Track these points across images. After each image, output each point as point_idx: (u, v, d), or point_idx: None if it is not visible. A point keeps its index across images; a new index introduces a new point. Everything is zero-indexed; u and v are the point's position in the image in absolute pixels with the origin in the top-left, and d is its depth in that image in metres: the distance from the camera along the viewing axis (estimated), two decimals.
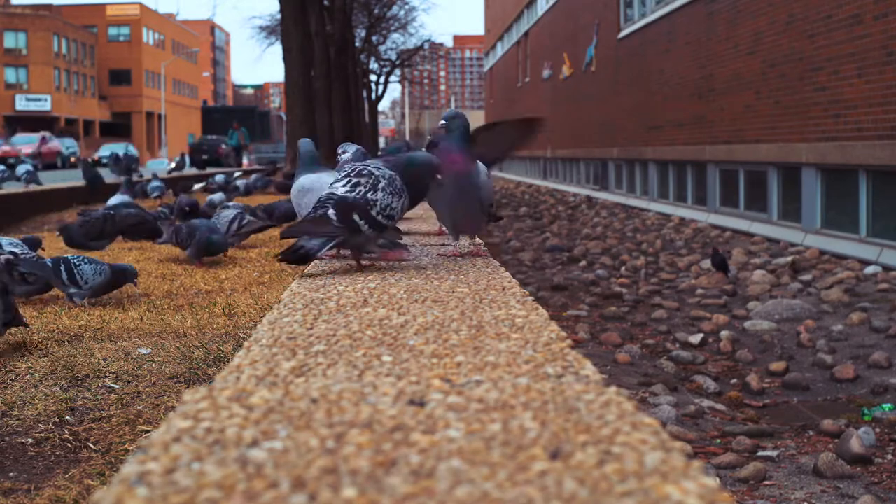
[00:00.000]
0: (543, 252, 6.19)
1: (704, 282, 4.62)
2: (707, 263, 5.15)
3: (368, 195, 1.25)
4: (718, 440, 2.28)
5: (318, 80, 11.53)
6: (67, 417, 1.38)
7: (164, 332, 1.95)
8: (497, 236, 7.46)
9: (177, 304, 2.29)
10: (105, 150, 19.07)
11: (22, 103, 28.91)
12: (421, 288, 1.25)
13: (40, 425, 1.33)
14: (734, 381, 2.91)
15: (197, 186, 7.22)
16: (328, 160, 9.14)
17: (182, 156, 13.63)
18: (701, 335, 3.47)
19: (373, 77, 28.19)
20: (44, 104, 28.97)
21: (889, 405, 2.54)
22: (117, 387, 1.55)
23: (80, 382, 1.56)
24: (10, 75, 29.10)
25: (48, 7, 31.50)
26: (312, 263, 1.60)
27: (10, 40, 28.94)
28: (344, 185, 1.27)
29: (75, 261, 2.18)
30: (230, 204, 3.85)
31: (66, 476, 1.12)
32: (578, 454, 0.56)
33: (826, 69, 5.36)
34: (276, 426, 0.62)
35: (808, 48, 5.59)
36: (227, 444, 0.58)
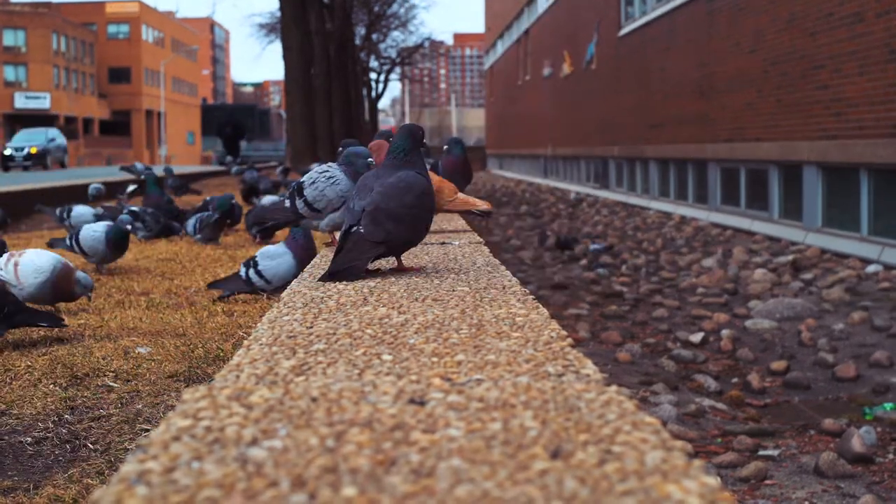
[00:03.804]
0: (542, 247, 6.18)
1: (705, 280, 4.61)
2: (709, 262, 5.15)
3: None
4: (719, 439, 2.27)
5: (317, 77, 11.53)
6: (67, 416, 1.38)
7: (164, 331, 1.95)
8: (497, 234, 7.45)
9: (176, 303, 2.29)
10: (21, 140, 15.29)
11: (21, 101, 28.89)
12: (421, 286, 1.24)
13: (39, 424, 1.33)
14: (735, 380, 2.91)
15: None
16: (328, 158, 9.13)
17: None
18: (702, 334, 3.46)
19: (373, 75, 28.20)
20: (43, 102, 28.97)
21: (890, 404, 2.53)
22: (116, 385, 1.54)
23: (79, 381, 1.56)
24: (10, 73, 29.07)
25: (47, 5, 31.45)
26: (313, 262, 1.59)
27: (9, 38, 28.90)
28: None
29: None
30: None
31: (66, 475, 1.11)
32: (579, 453, 0.56)
33: (827, 67, 5.35)
34: (276, 425, 0.61)
35: (810, 46, 5.57)
36: (226, 442, 0.58)
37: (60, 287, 2.06)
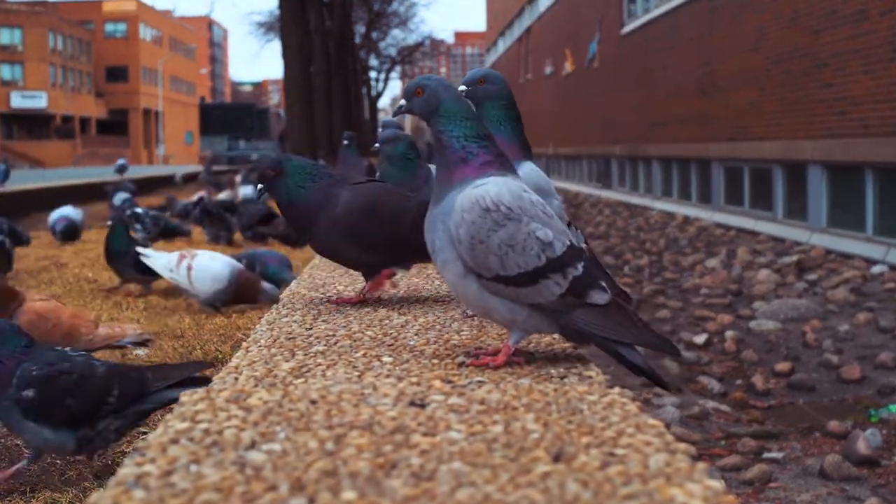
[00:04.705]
0: None
1: (709, 281, 4.60)
2: (712, 262, 5.13)
3: None
4: (723, 442, 2.26)
5: (317, 76, 11.50)
6: None
7: (162, 333, 1.95)
8: None
9: (174, 305, 2.29)
10: None
11: (17, 100, 28.95)
12: (422, 287, 1.24)
13: None
14: (739, 381, 2.89)
15: None
16: (328, 158, 9.08)
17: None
18: (705, 335, 3.45)
19: (373, 73, 28.17)
20: (39, 101, 29.03)
21: None
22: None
23: None
24: (6, 72, 29.11)
25: (44, 3, 31.46)
26: (312, 263, 1.59)
27: (5, 36, 28.95)
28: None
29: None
30: None
31: (63, 478, 1.10)
32: (582, 456, 0.55)
33: (831, 65, 5.33)
34: (275, 428, 0.61)
35: (813, 44, 5.55)
36: (225, 445, 0.57)
37: (242, 293, 2.03)
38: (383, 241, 1.06)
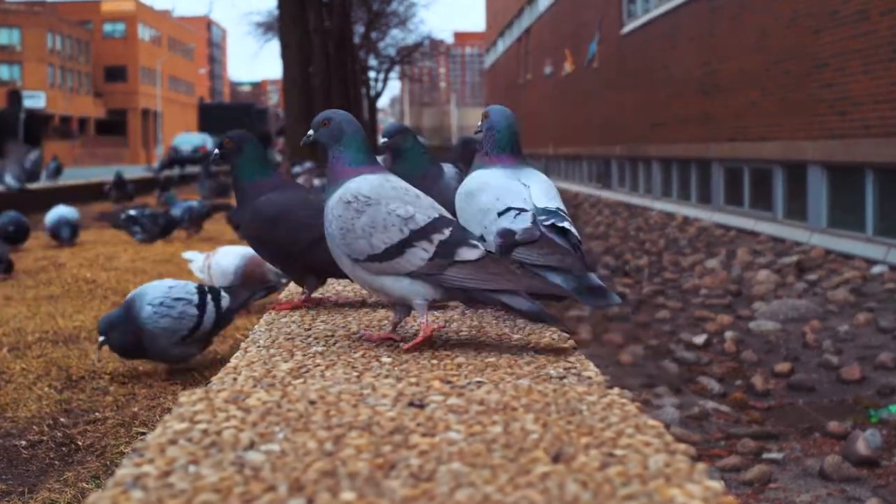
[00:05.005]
0: None
1: (709, 281, 4.60)
2: (712, 263, 5.13)
3: None
4: (723, 442, 2.26)
5: (316, 76, 11.49)
6: (62, 419, 1.37)
7: None
8: None
9: None
10: None
11: None
12: None
13: (34, 427, 1.32)
14: (739, 382, 2.89)
15: None
16: (325, 158, 9.06)
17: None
18: (705, 336, 3.45)
19: (372, 74, 28.17)
20: (38, 101, 28.96)
21: None
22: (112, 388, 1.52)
23: (74, 384, 1.55)
24: (4, 72, 29.03)
25: (42, 3, 31.42)
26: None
27: (4, 37, 28.90)
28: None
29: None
30: None
31: (61, 479, 1.11)
32: (581, 457, 0.55)
33: (832, 66, 5.33)
34: (274, 428, 0.61)
35: (814, 44, 5.55)
36: (223, 446, 0.57)
37: (251, 281, 2.11)
38: (281, 255, 1.08)
